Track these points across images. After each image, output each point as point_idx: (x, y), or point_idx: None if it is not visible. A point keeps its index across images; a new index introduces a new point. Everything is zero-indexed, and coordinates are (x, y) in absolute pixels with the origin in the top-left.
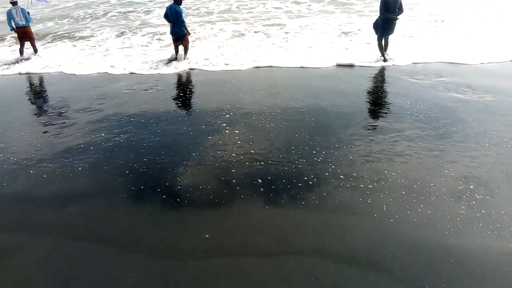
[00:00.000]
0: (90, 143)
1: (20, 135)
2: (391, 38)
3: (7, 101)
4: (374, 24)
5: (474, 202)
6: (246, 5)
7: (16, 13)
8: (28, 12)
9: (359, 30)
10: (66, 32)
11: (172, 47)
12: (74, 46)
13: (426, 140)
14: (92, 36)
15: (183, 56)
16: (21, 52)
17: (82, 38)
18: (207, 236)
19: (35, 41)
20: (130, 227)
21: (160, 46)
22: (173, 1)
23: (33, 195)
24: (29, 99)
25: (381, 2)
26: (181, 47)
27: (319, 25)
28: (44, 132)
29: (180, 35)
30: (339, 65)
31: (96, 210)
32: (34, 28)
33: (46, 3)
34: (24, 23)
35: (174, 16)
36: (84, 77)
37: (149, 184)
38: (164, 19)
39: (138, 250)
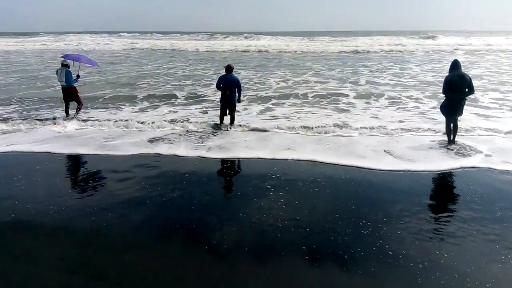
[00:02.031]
0: (147, 196)
1: (87, 185)
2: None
3: (72, 153)
4: (441, 106)
5: None
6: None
7: (60, 74)
8: (77, 76)
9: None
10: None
11: (215, 115)
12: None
13: (480, 222)
14: (136, 104)
15: (229, 126)
16: (66, 112)
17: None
18: None
19: (82, 104)
20: (176, 283)
21: (205, 114)
22: (227, 71)
23: (93, 240)
24: (94, 155)
25: (444, 80)
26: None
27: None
28: (105, 184)
29: (232, 104)
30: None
31: (147, 262)
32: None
33: (98, 67)
34: (64, 84)
35: (233, 85)
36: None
37: (196, 241)
38: (216, 89)
39: None
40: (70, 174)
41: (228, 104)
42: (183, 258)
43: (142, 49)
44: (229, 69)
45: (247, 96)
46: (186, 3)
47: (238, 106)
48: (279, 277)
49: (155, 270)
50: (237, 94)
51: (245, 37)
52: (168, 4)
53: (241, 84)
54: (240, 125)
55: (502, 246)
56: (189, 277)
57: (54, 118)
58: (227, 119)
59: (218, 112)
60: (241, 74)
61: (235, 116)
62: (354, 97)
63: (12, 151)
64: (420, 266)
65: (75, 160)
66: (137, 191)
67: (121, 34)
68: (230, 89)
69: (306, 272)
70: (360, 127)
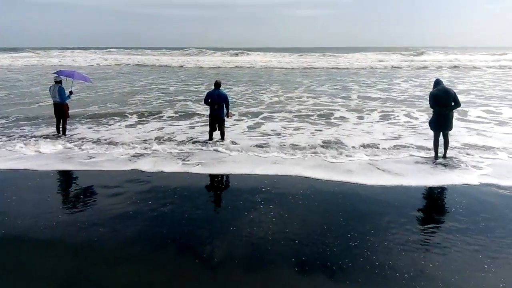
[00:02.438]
0: (138, 211)
1: (77, 201)
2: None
3: (59, 170)
4: (429, 121)
5: None
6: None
7: (53, 91)
8: (70, 92)
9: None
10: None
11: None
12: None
13: (465, 233)
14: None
15: (219, 141)
16: (57, 129)
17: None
18: None
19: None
20: None
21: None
22: (215, 87)
23: (86, 255)
24: (81, 171)
25: (430, 95)
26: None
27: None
28: (95, 200)
29: (221, 119)
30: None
31: (139, 275)
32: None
33: (91, 83)
34: (58, 101)
35: (221, 100)
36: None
37: (188, 255)
38: (204, 104)
39: None
40: (60, 190)
41: (217, 119)
42: (174, 271)
43: (133, 64)
44: (217, 85)
45: (239, 111)
46: (176, 20)
47: (229, 121)
48: None
49: (147, 284)
50: (225, 110)
51: (236, 54)
52: (158, 20)
53: (229, 100)
54: (230, 141)
55: (485, 255)
56: None
57: (37, 136)
58: (216, 135)
59: (208, 128)
60: (233, 89)
61: (225, 131)
62: (347, 111)
63: None
64: (406, 276)
65: (61, 177)
66: (127, 206)
67: (110, 50)
68: (218, 104)
69: (295, 284)
70: (352, 147)
